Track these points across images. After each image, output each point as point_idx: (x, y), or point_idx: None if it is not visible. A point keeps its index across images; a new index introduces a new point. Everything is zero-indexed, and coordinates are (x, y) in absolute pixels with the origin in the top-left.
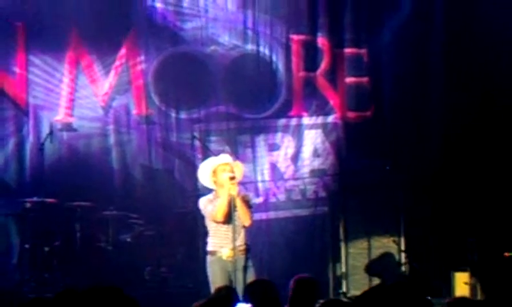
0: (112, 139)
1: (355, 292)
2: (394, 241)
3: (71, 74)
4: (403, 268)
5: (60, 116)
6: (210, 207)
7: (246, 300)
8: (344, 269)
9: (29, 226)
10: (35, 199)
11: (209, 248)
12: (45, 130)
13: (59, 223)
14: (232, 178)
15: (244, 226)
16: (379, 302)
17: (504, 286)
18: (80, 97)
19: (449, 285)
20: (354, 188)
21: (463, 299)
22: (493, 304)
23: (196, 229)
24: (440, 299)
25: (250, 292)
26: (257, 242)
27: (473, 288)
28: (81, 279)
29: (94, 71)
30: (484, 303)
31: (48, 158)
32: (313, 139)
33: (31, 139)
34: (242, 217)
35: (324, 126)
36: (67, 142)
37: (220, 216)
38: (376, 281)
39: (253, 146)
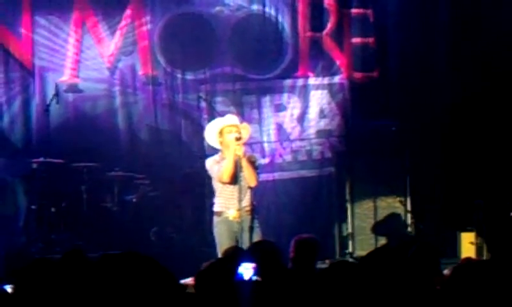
0: (118, 100)
1: (361, 252)
2: (400, 201)
3: (76, 34)
4: (409, 229)
5: (66, 77)
6: (217, 168)
7: (250, 261)
8: (350, 230)
9: (35, 187)
10: (41, 160)
11: (216, 209)
12: (51, 91)
13: (66, 184)
14: (238, 139)
15: (250, 187)
16: (386, 263)
17: (509, 246)
18: (86, 58)
19: (455, 245)
20: (361, 149)
21: (468, 262)
22: (499, 264)
23: (203, 190)
24: (446, 259)
25: (253, 253)
26: (263, 202)
27: (479, 248)
28: (88, 240)
29: (99, 31)
30: (490, 263)
31: (54, 120)
32: (319, 99)
33: (36, 100)
34: (248, 177)
35: (330, 87)
36: (73, 103)
37: (226, 177)
38: (382, 241)
39: (259, 107)
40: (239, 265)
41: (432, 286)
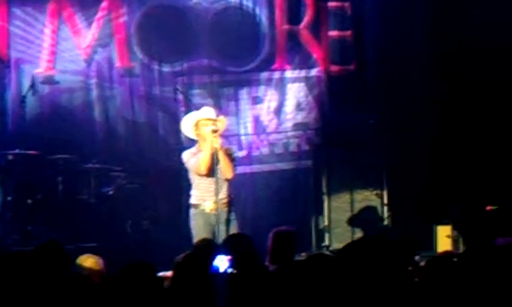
0: (94, 93)
1: (338, 245)
2: (377, 195)
3: (53, 26)
4: (386, 222)
5: (42, 69)
6: (193, 160)
7: (225, 253)
8: (326, 222)
9: (11, 178)
10: (17, 151)
11: (192, 201)
12: (27, 82)
13: (42, 176)
14: (215, 131)
15: (227, 179)
16: (361, 255)
17: (485, 239)
18: (62, 50)
19: (431, 238)
20: (337, 142)
21: (442, 256)
22: (474, 257)
23: (179, 183)
24: (422, 252)
25: (227, 246)
26: (240, 195)
27: (455, 241)
28: (64, 232)
29: (76, 23)
30: (464, 256)
31: (30, 111)
32: (296, 92)
33: (12, 91)
34: (225, 169)
35: (307, 80)
36: (49, 95)
37: (203, 169)
38: (359, 234)
39: (236, 99)
40: (213, 257)
41: (408, 278)
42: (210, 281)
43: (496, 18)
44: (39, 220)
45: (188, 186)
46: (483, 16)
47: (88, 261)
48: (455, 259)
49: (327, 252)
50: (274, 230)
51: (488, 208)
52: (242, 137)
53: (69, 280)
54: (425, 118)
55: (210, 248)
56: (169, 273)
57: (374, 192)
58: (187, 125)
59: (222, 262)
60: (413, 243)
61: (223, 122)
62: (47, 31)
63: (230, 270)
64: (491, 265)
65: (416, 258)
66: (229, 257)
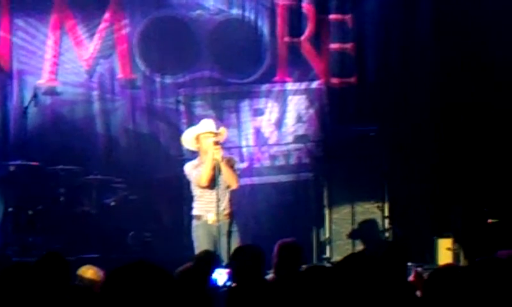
0: (96, 104)
1: (339, 258)
2: (378, 207)
3: (55, 37)
4: (387, 234)
5: (44, 80)
6: (195, 172)
7: (230, 266)
8: (327, 235)
9: (12, 189)
10: (19, 162)
11: (195, 213)
12: (29, 94)
13: (43, 187)
14: (216, 143)
15: (231, 190)
16: (360, 268)
17: (486, 252)
18: (64, 61)
19: (433, 251)
20: (338, 154)
21: (446, 267)
22: (476, 271)
23: (181, 194)
24: (424, 264)
25: (235, 257)
26: (241, 207)
27: (456, 254)
28: (65, 243)
29: (78, 34)
30: (467, 270)
31: (32, 122)
32: (297, 104)
33: (14, 102)
34: (229, 179)
35: (308, 92)
36: (51, 106)
37: (204, 181)
38: (360, 246)
39: (237, 111)
40: (213, 270)
41: (409, 290)
42: (208, 295)
43: (498, 34)
44: (40, 232)
45: (190, 197)
46: (486, 30)
47: (89, 272)
48: (458, 272)
49: (328, 265)
50: (280, 242)
51: (489, 221)
52: (244, 149)
53: (70, 291)
54: (426, 131)
55: (210, 261)
56: None
57: (375, 204)
58: (188, 139)
59: (221, 275)
60: (404, 252)
61: (223, 133)
62: (49, 42)
63: (228, 284)
64: (493, 278)
65: (419, 269)
66: (228, 270)
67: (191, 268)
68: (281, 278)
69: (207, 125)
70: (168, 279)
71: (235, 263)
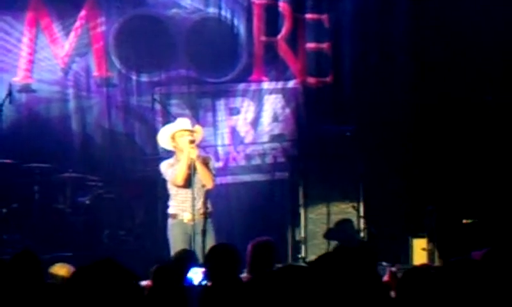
0: (72, 102)
1: (314, 257)
2: (353, 207)
3: (30, 34)
4: (362, 234)
5: (19, 78)
6: (171, 171)
7: (205, 266)
8: (303, 234)
9: None
10: None
11: (170, 211)
12: (4, 91)
13: (18, 185)
14: (191, 142)
15: (206, 189)
16: (335, 266)
17: (461, 253)
18: (40, 59)
19: (407, 251)
20: (314, 154)
21: (419, 268)
22: (450, 271)
23: (156, 193)
24: (399, 264)
25: (210, 256)
26: (216, 206)
27: (430, 254)
28: (40, 241)
29: (54, 32)
30: (441, 270)
31: (7, 120)
32: (273, 104)
33: None
34: (204, 179)
35: (284, 92)
36: (26, 103)
37: (180, 180)
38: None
39: (213, 110)
40: (188, 269)
41: (384, 290)
42: (183, 293)
43: (477, 34)
44: (14, 229)
45: (165, 196)
46: (464, 29)
47: (62, 270)
48: (432, 272)
49: (303, 264)
50: (253, 241)
51: (464, 221)
52: (219, 148)
53: (43, 289)
54: (401, 131)
55: (188, 260)
56: (145, 283)
57: (351, 204)
58: (164, 138)
59: (196, 274)
60: (373, 253)
61: (199, 132)
62: (25, 39)
63: (204, 283)
64: (466, 279)
65: (393, 269)
66: (203, 269)
67: (167, 267)
68: (256, 277)
69: (182, 123)
70: (132, 279)
71: (210, 263)
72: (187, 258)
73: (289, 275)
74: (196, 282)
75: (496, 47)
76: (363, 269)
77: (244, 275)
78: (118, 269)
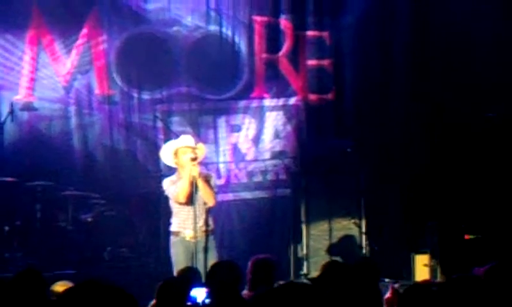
0: (73, 120)
1: (316, 274)
2: (355, 223)
3: (32, 52)
4: (364, 251)
5: (21, 96)
6: (173, 188)
7: (207, 283)
8: (305, 251)
9: None
10: None
11: (173, 228)
12: (6, 109)
13: (20, 202)
14: (193, 159)
15: (207, 207)
16: (339, 282)
17: (463, 269)
18: (41, 77)
19: (409, 267)
20: (316, 170)
21: (421, 284)
22: (452, 287)
23: (158, 210)
24: (401, 281)
25: (211, 274)
26: (218, 223)
27: (433, 270)
28: (42, 259)
29: (55, 50)
30: (442, 286)
31: (9, 138)
32: (274, 121)
33: None
34: (206, 197)
35: (285, 109)
36: (28, 121)
37: (182, 197)
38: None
39: (214, 127)
40: (191, 287)
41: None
42: None
43: (479, 47)
44: (16, 247)
45: (167, 213)
46: (467, 46)
47: (63, 288)
48: (434, 288)
49: (305, 281)
50: (253, 258)
51: (466, 237)
52: (221, 165)
53: None
54: (403, 147)
55: (191, 278)
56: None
57: (353, 220)
58: (167, 153)
59: (200, 292)
60: (375, 269)
61: (201, 149)
62: (27, 57)
63: (207, 301)
64: (469, 295)
65: (396, 285)
66: (205, 290)
67: (172, 284)
68: (258, 295)
69: (186, 140)
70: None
71: (212, 280)
72: (190, 276)
73: (291, 292)
74: (199, 300)
75: (499, 61)
76: (364, 286)
77: (244, 292)
78: (105, 289)
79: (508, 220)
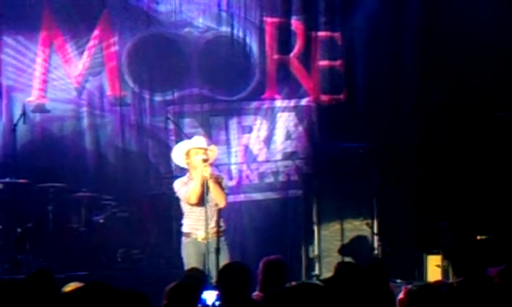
0: (85, 121)
1: (328, 275)
2: (367, 224)
3: (44, 54)
4: (376, 251)
5: (33, 97)
6: (184, 189)
7: (217, 283)
8: (316, 252)
9: (1, 207)
10: (7, 180)
11: (184, 230)
12: (18, 111)
13: (32, 204)
14: (205, 160)
15: (219, 208)
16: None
17: (476, 269)
18: (53, 78)
19: (422, 268)
20: (327, 171)
21: (429, 285)
22: (464, 288)
23: (170, 211)
24: (413, 281)
25: (220, 277)
26: (229, 224)
27: (445, 271)
28: (54, 260)
29: (67, 51)
30: (454, 286)
31: (21, 140)
32: (286, 122)
33: (3, 119)
34: (217, 198)
35: (297, 109)
36: (40, 123)
37: (193, 198)
38: None
39: (226, 128)
40: (202, 290)
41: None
42: None
43: (489, 49)
44: (29, 249)
45: (179, 214)
46: (476, 46)
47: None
48: (445, 289)
49: (317, 282)
50: (264, 259)
51: (479, 237)
52: (232, 166)
53: None
54: (415, 147)
55: (200, 279)
56: None
57: (365, 221)
58: (178, 154)
59: (210, 295)
60: (385, 270)
61: (213, 151)
62: (39, 59)
63: (217, 304)
64: (482, 295)
65: (409, 286)
66: (216, 292)
67: (180, 286)
68: (269, 295)
69: (198, 141)
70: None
71: (222, 282)
72: (197, 277)
73: (303, 293)
74: (209, 302)
75: (509, 63)
76: (375, 287)
77: (255, 293)
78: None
79: None
